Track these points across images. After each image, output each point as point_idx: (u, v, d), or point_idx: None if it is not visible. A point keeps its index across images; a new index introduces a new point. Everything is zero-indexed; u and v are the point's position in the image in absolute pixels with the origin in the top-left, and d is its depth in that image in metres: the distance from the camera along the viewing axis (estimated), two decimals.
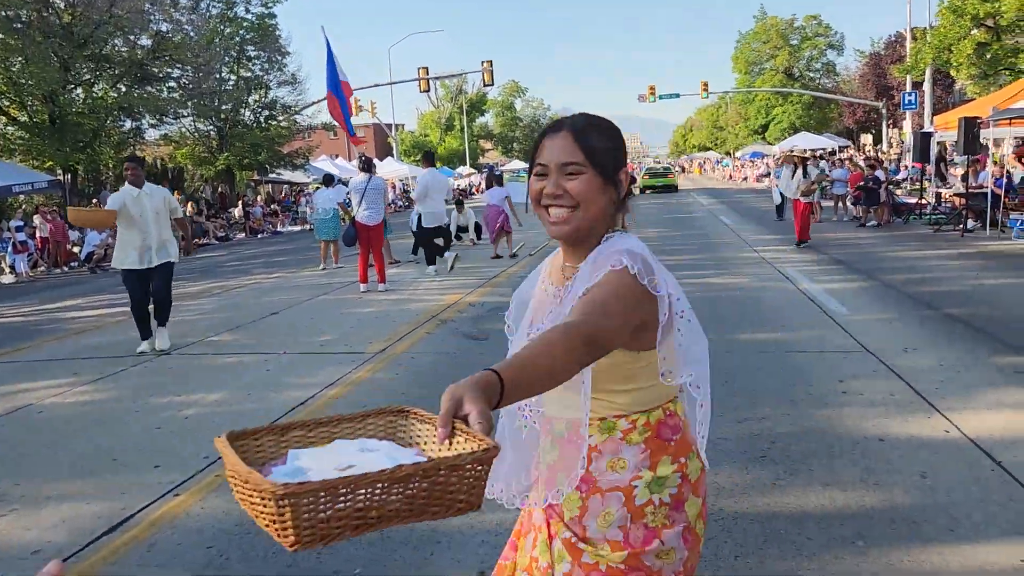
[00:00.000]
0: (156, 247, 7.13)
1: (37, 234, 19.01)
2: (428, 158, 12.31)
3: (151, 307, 7.34)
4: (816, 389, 5.14)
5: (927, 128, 24.92)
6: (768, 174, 39.12)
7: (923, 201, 17.44)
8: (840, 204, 19.04)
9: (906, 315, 7.38)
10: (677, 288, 1.56)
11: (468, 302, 9.35)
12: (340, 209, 13.84)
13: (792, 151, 14.70)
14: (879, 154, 33.63)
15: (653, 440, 1.57)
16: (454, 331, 7.64)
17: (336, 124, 38.62)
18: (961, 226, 14.32)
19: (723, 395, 5.10)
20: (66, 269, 18.73)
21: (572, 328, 1.34)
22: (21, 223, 17.66)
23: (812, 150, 40.69)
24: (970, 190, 14.45)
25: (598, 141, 1.58)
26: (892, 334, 6.61)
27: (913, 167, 27.78)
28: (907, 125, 33.27)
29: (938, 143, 18.54)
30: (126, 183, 7.16)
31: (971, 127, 13.59)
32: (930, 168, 18.50)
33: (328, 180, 15.28)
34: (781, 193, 19.71)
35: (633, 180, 1.79)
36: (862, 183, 16.92)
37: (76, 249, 19.21)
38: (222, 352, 7.20)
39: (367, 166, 10.56)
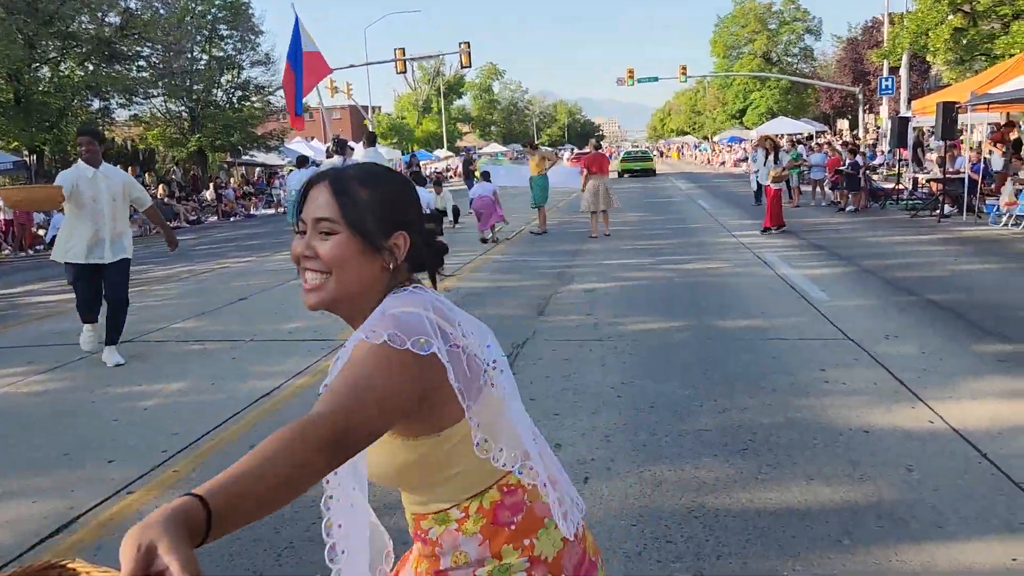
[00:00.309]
0: (110, 240, 5.99)
1: (1, 216, 18.51)
2: (370, 139, 12.52)
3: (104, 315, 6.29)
4: (798, 378, 5.02)
5: (904, 113, 24.99)
6: (746, 159, 39.15)
7: (900, 186, 17.44)
8: (818, 189, 19.02)
9: (887, 302, 7.30)
10: (483, 337, 1.35)
11: (444, 287, 9.12)
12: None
13: (765, 136, 14.29)
14: (855, 139, 33.71)
15: (489, 528, 1.32)
16: None
17: (311, 107, 38.14)
18: (938, 212, 14.32)
19: (704, 384, 4.97)
20: (31, 252, 18.26)
21: (310, 425, 1.06)
22: None
23: (790, 135, 40.81)
24: (947, 175, 14.44)
25: (362, 194, 1.30)
26: (873, 321, 6.52)
27: (889, 153, 27.90)
28: (883, 110, 33.38)
29: (915, 128, 18.53)
30: (79, 160, 6.04)
31: (949, 112, 13.55)
32: (907, 153, 18.50)
33: (302, 162, 15.00)
34: (757, 178, 19.72)
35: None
36: (841, 168, 16.89)
37: (41, 232, 18.71)
38: (186, 340, 6.96)
39: (340, 148, 10.20)
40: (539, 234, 14.65)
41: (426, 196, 14.31)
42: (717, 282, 8.75)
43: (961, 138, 14.71)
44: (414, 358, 1.18)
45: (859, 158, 17.36)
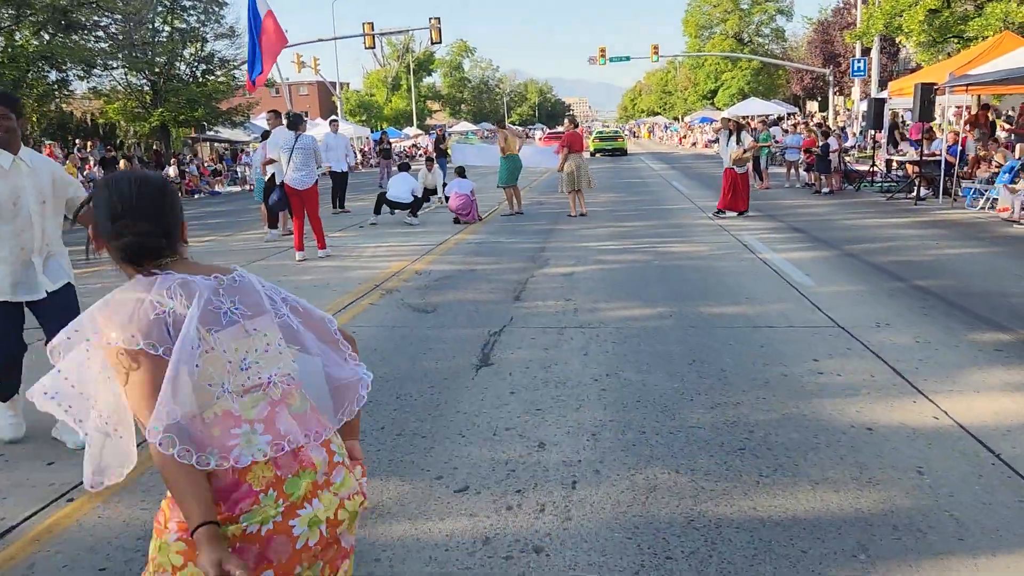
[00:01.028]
0: (41, 261, 4.07)
1: None
2: (292, 121, 11.26)
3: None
4: (791, 369, 4.77)
5: (876, 95, 24.94)
6: (716, 140, 39.05)
7: (874, 169, 17.35)
8: (792, 170, 18.88)
9: (874, 287, 7.09)
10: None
11: (414, 270, 8.79)
12: (261, 169, 13.06)
13: (727, 118, 13.79)
14: (825, 121, 33.73)
15: None
16: (399, 302, 7.09)
17: (276, 82, 37.13)
18: (914, 194, 14.23)
19: (692, 377, 4.70)
20: None
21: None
22: None
23: (760, 116, 40.77)
24: (923, 158, 14.34)
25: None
26: (862, 308, 6.30)
27: (860, 135, 27.90)
28: (855, 92, 33.42)
29: (891, 110, 18.43)
30: None
31: (927, 93, 13.41)
32: (882, 135, 18.41)
33: (267, 136, 14.40)
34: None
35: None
36: (815, 149, 16.73)
37: None
38: None
39: (295, 123, 9.68)
40: (512, 215, 14.29)
41: (410, 181, 13.77)
42: (698, 265, 8.50)
43: (937, 120, 14.58)
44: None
45: (832, 140, 17.22)
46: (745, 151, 12.39)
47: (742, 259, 8.81)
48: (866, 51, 33.79)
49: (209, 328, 1.56)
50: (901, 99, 18.01)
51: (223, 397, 1.55)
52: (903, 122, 18.59)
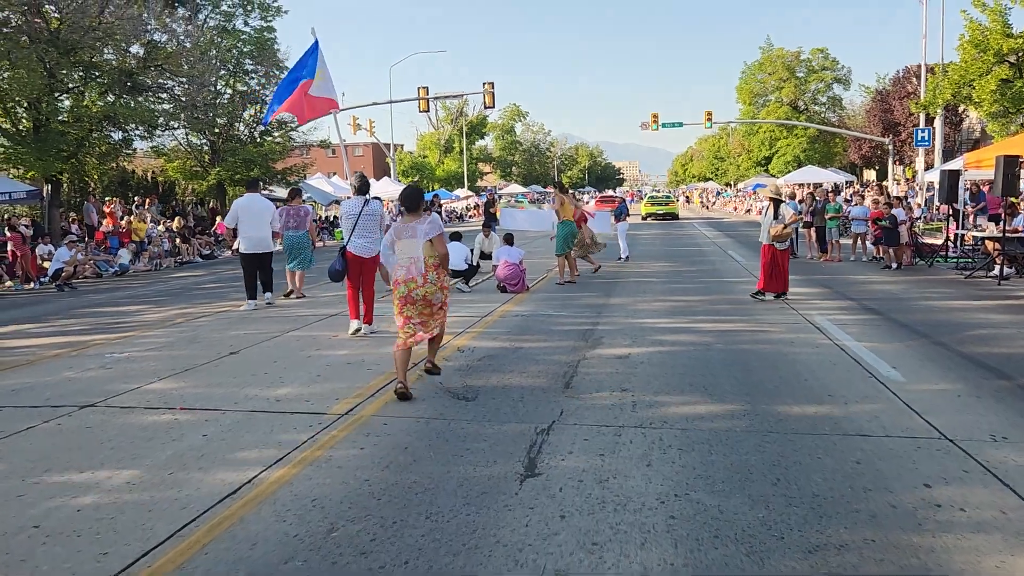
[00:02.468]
0: None
1: (9, 246, 17.83)
2: (250, 184, 12.43)
3: None
4: (899, 498, 3.96)
5: (939, 165, 23.96)
6: None
7: (949, 243, 16.35)
8: (860, 243, 17.95)
9: (974, 386, 6.22)
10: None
11: (456, 347, 8.17)
12: (311, 233, 12.79)
13: (779, 187, 12.30)
14: (886, 190, 32.64)
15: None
16: (437, 386, 6.45)
17: (333, 143, 37.72)
18: (996, 273, 13.23)
19: (778, 503, 3.93)
20: (36, 286, 17.52)
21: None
22: None
23: (827, 185, 39.78)
24: (1006, 234, 13.36)
25: None
26: (967, 413, 5.45)
27: (926, 206, 26.80)
28: (919, 162, 32.37)
29: (970, 183, 17.47)
30: None
31: (1012, 166, 12.53)
32: (968, 208, 17.34)
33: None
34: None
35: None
36: (882, 221, 15.81)
37: (47, 265, 17.97)
38: (157, 406, 5.99)
39: (363, 187, 9.19)
40: (564, 283, 13.66)
41: (462, 249, 13.23)
42: (767, 351, 7.71)
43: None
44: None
45: (901, 211, 16.33)
46: (785, 226, 11.07)
47: (817, 345, 7.99)
48: (930, 120, 32.85)
49: (400, 234, 6.31)
50: (978, 171, 17.07)
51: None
52: (974, 195, 17.56)
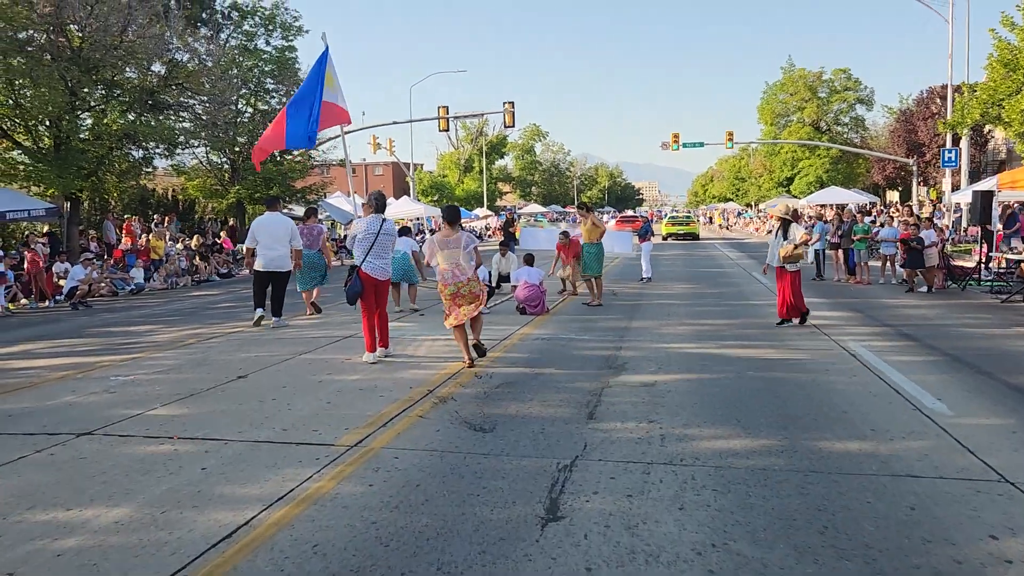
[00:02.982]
0: None
1: (27, 265, 17.74)
2: (269, 203, 12.17)
3: None
4: (963, 552, 3.55)
5: (974, 186, 23.41)
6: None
7: (982, 266, 15.82)
8: (888, 265, 17.44)
9: None
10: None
11: (474, 372, 7.82)
12: (325, 251, 12.55)
13: (788, 207, 11.51)
14: (910, 210, 32.03)
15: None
16: (453, 416, 6.10)
17: (343, 159, 37.65)
18: None
19: (828, 557, 3.53)
20: (52, 303, 17.41)
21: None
22: (0, 253, 16.33)
23: (852, 205, 39.20)
24: None
25: None
26: None
27: (953, 228, 26.20)
28: (946, 183, 31.76)
29: (1006, 204, 16.95)
30: None
31: None
32: (1000, 231, 16.81)
33: (405, 231, 13.67)
34: (816, 250, 18.23)
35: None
36: (910, 242, 15.30)
37: (62, 283, 17.86)
38: (157, 435, 5.68)
39: (381, 206, 8.88)
40: (595, 306, 13.27)
41: (481, 271, 12.94)
42: (801, 380, 7.29)
43: None
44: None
45: (931, 232, 15.84)
46: (796, 246, 10.47)
47: (853, 374, 7.57)
48: (956, 141, 32.29)
49: (443, 246, 8.07)
50: (1012, 192, 16.56)
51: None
52: (1009, 216, 17.02)
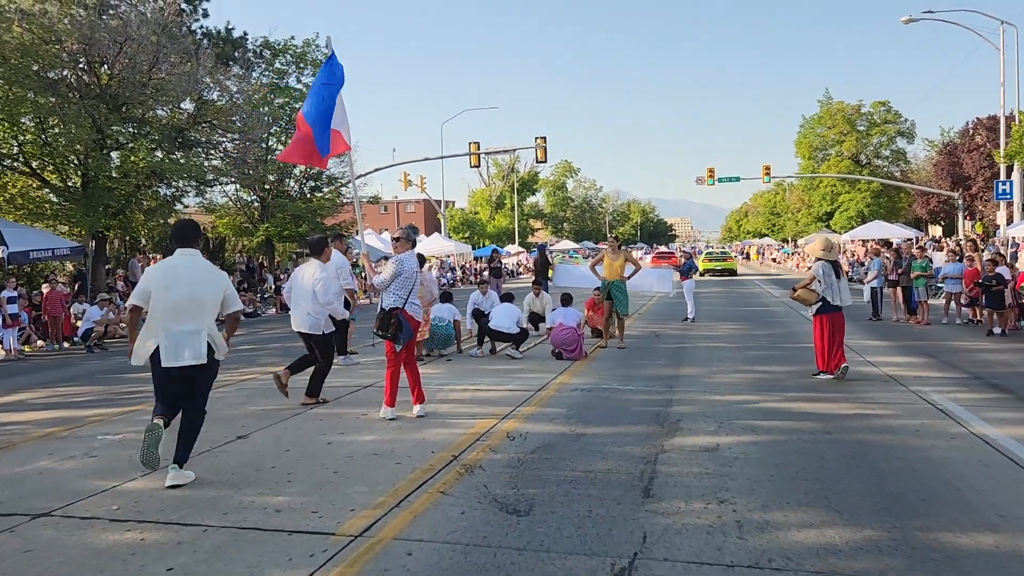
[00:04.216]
0: None
1: (44, 302, 17.17)
2: (314, 246, 9.27)
3: None
4: None
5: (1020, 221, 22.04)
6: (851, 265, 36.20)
7: None
8: (953, 303, 16.16)
9: None
10: None
11: (505, 431, 6.82)
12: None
13: (829, 241, 9.94)
14: (971, 245, 30.54)
15: None
16: (480, 492, 5.10)
17: (379, 197, 37.10)
18: None
19: None
20: (67, 345, 16.79)
21: None
22: (14, 294, 15.77)
23: (911, 240, 37.78)
24: None
25: None
26: None
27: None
28: (1000, 216, 30.28)
29: None
30: None
31: None
32: None
33: (447, 298, 12.74)
34: (872, 287, 17.00)
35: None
36: (988, 282, 14.06)
37: (78, 324, 17.26)
38: (124, 519, 4.73)
39: (415, 241, 7.88)
40: (625, 347, 12.29)
41: (515, 312, 12.03)
42: (891, 444, 6.18)
43: None
44: None
45: (1003, 269, 14.61)
46: (806, 287, 9.21)
47: (951, 435, 6.44)
48: (1008, 172, 30.88)
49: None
50: None
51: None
52: None
